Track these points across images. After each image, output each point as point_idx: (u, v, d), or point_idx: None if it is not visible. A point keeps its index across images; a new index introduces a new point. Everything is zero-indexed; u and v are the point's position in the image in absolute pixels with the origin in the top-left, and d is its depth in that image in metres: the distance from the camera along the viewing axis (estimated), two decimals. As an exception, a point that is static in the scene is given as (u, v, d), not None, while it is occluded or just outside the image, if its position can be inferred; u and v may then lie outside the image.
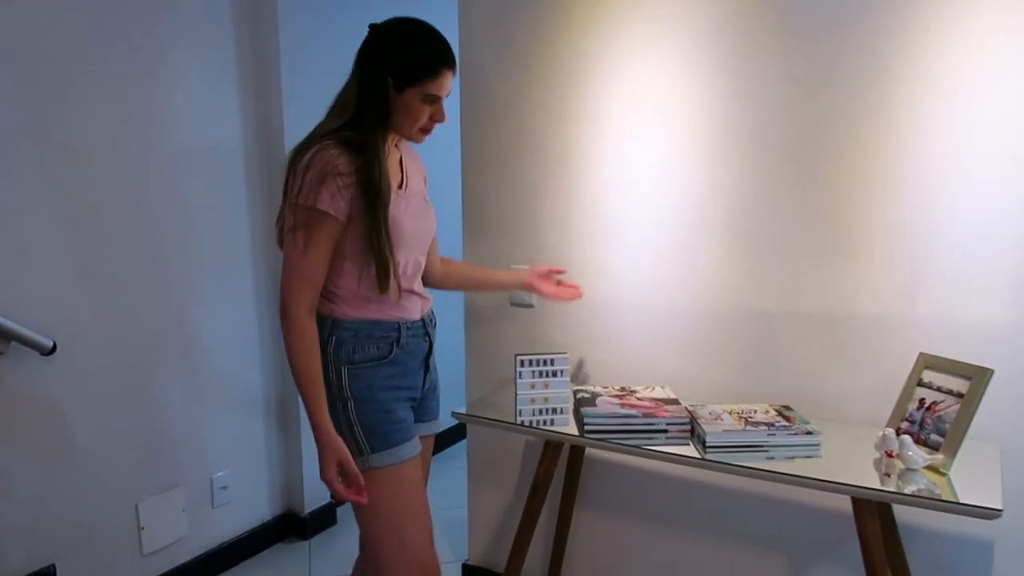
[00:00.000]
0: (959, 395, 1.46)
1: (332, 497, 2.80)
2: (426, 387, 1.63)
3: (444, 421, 1.76)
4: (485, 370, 2.26)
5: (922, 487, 1.38)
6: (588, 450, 2.09)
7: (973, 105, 1.56)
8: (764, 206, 1.80)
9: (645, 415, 1.66)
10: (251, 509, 2.62)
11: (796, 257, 1.78)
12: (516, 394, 1.74)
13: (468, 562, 2.40)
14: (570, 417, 1.77)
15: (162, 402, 2.26)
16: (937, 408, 1.50)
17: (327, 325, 1.47)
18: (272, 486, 2.69)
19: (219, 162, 2.40)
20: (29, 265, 1.91)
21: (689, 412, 1.67)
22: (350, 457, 1.42)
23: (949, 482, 1.40)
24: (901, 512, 1.69)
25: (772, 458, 1.53)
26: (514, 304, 2.18)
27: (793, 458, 1.52)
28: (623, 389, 1.85)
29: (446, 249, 1.85)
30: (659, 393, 1.82)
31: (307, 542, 2.72)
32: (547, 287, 1.92)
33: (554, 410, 1.74)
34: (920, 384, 1.56)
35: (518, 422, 1.75)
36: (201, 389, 2.39)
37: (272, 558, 2.62)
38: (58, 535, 2.02)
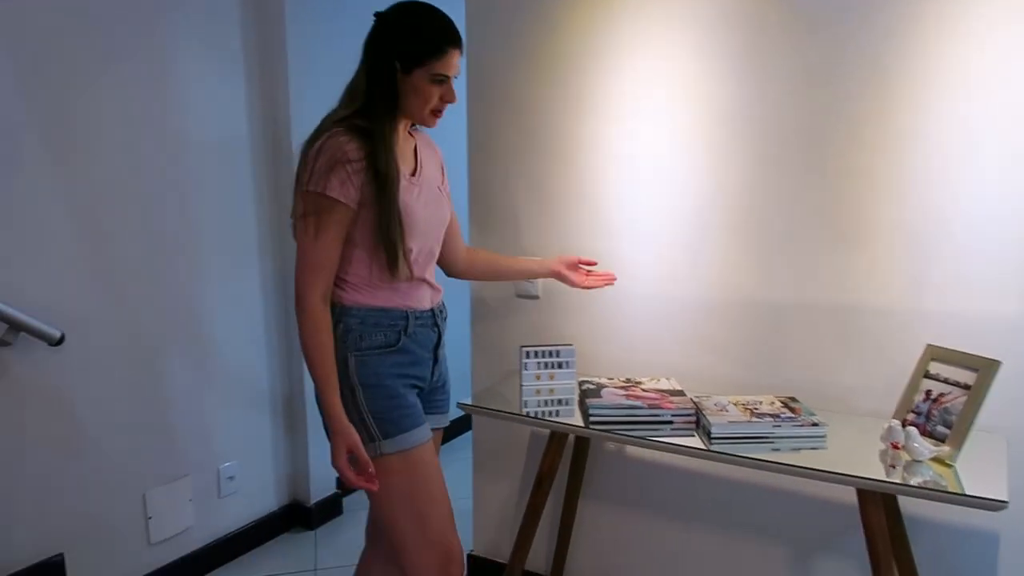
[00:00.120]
0: (966, 387, 1.46)
1: (339, 485, 2.83)
2: (434, 379, 1.62)
3: (451, 413, 1.76)
4: (491, 361, 2.27)
5: (928, 479, 1.38)
6: (593, 441, 2.10)
7: (982, 98, 1.55)
8: (771, 198, 1.79)
9: (650, 406, 1.66)
10: (258, 499, 2.63)
11: (803, 249, 1.78)
12: (521, 385, 1.75)
13: (473, 553, 2.41)
14: (575, 408, 1.77)
15: (169, 393, 2.27)
16: (944, 400, 1.50)
17: (336, 312, 1.47)
18: (278, 476, 2.70)
19: (226, 155, 2.40)
20: (37, 256, 1.92)
21: (694, 403, 1.67)
22: (360, 444, 1.43)
23: (955, 474, 1.40)
24: (906, 504, 1.69)
25: (778, 449, 1.53)
26: (520, 295, 2.18)
27: (799, 449, 1.52)
28: (628, 380, 1.85)
29: (452, 240, 1.84)
30: (665, 384, 1.82)
31: (313, 532, 2.73)
32: (576, 276, 1.90)
33: (559, 401, 1.75)
34: (927, 376, 1.56)
35: (523, 413, 1.75)
36: (208, 380, 2.40)
37: (278, 548, 2.63)
38: (66, 524, 2.03)
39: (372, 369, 1.48)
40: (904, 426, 1.49)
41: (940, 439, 1.47)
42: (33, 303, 1.89)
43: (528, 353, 1.73)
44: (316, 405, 1.49)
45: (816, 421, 1.56)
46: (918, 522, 1.72)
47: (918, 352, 1.62)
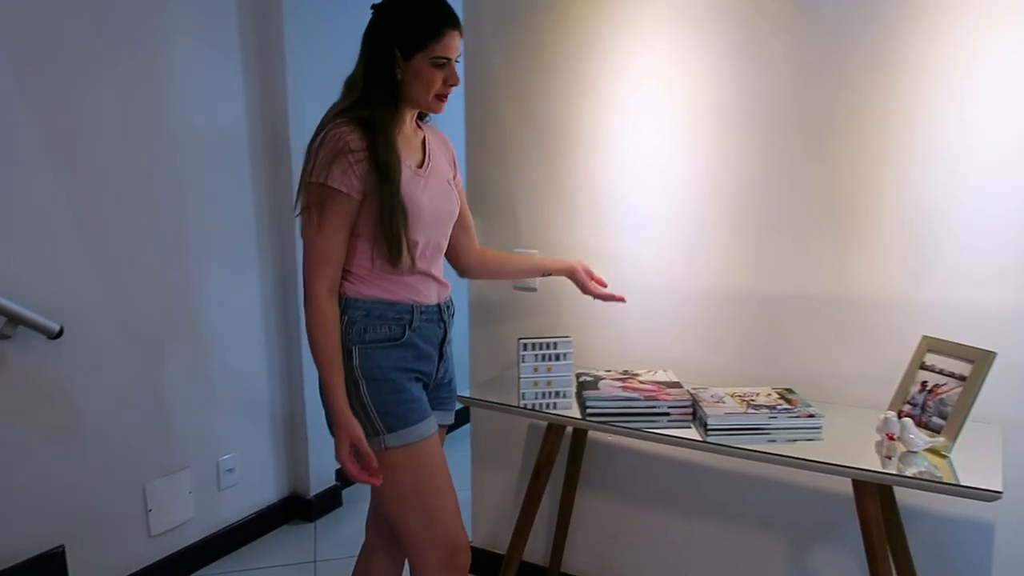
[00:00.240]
0: (961, 378, 1.47)
1: (338, 477, 2.84)
2: (440, 376, 1.60)
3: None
4: (489, 354, 2.27)
5: (923, 469, 1.38)
6: (591, 433, 2.11)
7: (981, 91, 1.55)
8: (769, 190, 1.79)
9: (647, 398, 1.66)
10: (257, 491, 2.64)
11: (800, 240, 1.78)
12: (519, 377, 1.75)
13: (471, 544, 2.42)
14: (573, 400, 1.78)
15: (168, 385, 2.28)
16: (939, 391, 1.50)
17: (341, 304, 1.46)
18: (278, 468, 2.71)
19: (224, 146, 2.40)
20: (36, 249, 1.92)
21: (691, 395, 1.68)
22: (363, 438, 1.42)
23: (950, 464, 1.40)
24: (902, 494, 1.70)
25: (774, 441, 1.53)
26: (518, 288, 2.18)
27: (795, 441, 1.53)
28: (626, 372, 1.86)
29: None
30: (661, 376, 1.82)
31: (312, 524, 2.75)
32: (591, 283, 1.86)
33: (557, 393, 1.75)
34: (922, 367, 1.57)
35: (521, 405, 1.76)
36: (207, 373, 2.40)
37: (278, 540, 2.65)
38: (66, 517, 2.04)
39: (376, 362, 1.46)
40: (900, 417, 1.50)
41: (936, 430, 1.47)
42: (32, 296, 1.89)
43: (526, 345, 1.73)
44: (319, 397, 1.48)
45: (812, 412, 1.57)
46: (914, 512, 1.73)
47: (914, 343, 1.62)
